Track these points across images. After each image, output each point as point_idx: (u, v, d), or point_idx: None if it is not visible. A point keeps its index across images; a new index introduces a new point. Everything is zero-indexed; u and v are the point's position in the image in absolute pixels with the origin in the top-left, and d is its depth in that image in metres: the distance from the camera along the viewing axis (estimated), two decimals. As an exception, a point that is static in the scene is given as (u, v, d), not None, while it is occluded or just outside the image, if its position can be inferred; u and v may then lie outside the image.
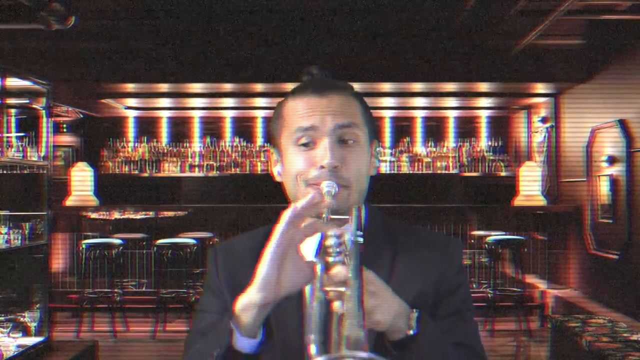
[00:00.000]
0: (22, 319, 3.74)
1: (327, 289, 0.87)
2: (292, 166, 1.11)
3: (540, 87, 6.64)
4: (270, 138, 1.20)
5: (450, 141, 8.34)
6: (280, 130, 1.15)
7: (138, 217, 6.60)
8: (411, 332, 0.97)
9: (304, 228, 0.94)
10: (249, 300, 0.95)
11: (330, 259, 0.91)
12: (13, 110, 3.84)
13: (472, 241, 6.19)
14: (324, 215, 0.99)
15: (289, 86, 1.22)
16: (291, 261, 0.94)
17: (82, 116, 7.96)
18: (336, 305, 0.86)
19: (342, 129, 1.09)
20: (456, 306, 1.14)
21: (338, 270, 0.89)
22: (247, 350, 0.97)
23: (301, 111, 1.11)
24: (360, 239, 0.93)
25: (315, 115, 1.10)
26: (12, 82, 3.69)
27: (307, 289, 1.07)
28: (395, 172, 8.05)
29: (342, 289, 0.86)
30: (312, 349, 0.83)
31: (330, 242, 0.92)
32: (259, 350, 0.98)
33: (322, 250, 0.93)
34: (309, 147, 1.10)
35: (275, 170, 1.19)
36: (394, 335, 0.97)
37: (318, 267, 0.90)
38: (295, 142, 1.11)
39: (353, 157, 1.10)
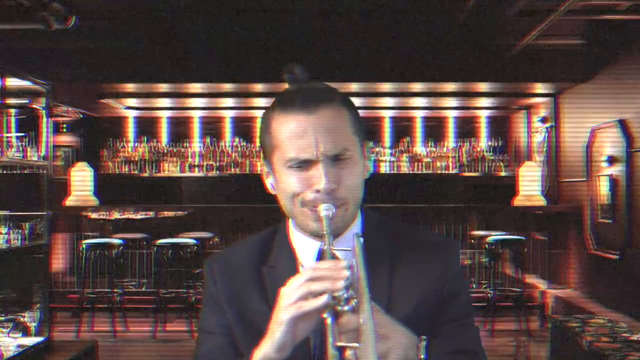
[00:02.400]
0: (22, 319, 3.73)
1: (340, 344, 0.87)
2: (287, 186, 1.10)
3: (540, 87, 6.63)
4: (262, 150, 1.17)
5: (450, 141, 8.34)
6: (271, 149, 1.12)
7: (138, 217, 6.60)
8: None
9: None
10: (266, 357, 0.97)
11: (339, 307, 0.90)
12: (13, 110, 3.84)
13: (472, 241, 6.18)
14: (325, 247, 0.99)
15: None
16: (304, 316, 0.95)
17: (82, 116, 7.96)
18: (348, 355, 0.86)
19: (334, 149, 1.07)
20: (457, 312, 1.14)
21: (348, 319, 0.89)
22: None
23: (291, 132, 1.07)
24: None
25: (307, 138, 1.06)
26: (12, 82, 3.68)
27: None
28: (395, 172, 8.05)
29: (356, 344, 0.86)
30: None
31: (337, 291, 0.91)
32: None
33: (330, 299, 0.92)
34: (302, 169, 1.08)
35: (268, 182, 1.17)
36: None
37: (328, 321, 0.90)
38: (288, 165, 1.09)
39: (348, 174, 1.08)
